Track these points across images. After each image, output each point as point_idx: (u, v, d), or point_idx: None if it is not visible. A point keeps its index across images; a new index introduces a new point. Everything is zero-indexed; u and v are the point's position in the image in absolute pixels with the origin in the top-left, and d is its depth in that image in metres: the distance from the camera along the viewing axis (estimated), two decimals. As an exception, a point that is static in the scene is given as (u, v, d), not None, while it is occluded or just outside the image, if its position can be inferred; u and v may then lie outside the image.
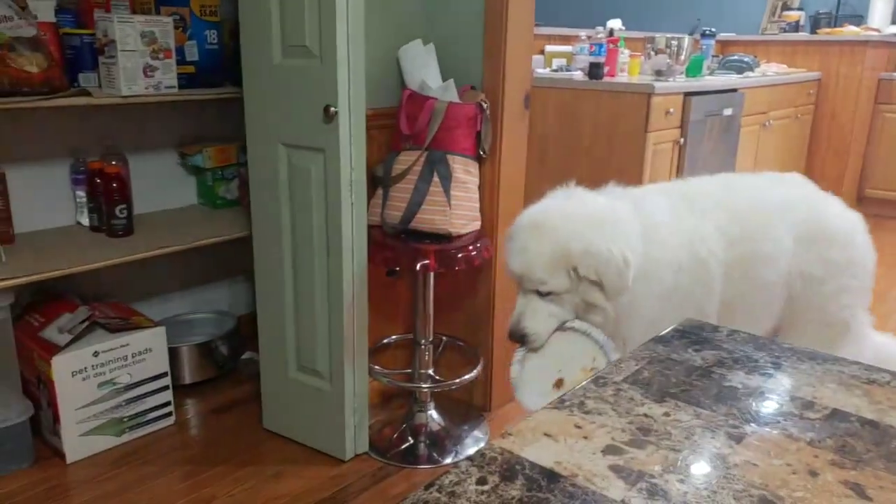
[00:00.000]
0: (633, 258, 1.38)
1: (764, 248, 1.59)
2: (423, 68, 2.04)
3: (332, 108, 1.71)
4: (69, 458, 1.93)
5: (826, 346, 1.60)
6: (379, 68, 2.07)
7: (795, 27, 5.12)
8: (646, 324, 1.46)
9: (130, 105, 2.24)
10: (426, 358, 2.13)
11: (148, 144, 2.34)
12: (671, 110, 3.07)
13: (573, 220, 1.42)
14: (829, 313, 1.66)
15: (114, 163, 2.09)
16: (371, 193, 2.01)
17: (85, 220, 2.16)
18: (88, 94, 1.87)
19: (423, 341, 2.10)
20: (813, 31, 4.91)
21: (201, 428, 2.15)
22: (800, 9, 5.18)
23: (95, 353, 1.92)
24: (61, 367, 1.87)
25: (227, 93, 2.16)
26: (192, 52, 2.16)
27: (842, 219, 1.71)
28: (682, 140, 3.20)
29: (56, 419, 1.90)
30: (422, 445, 2.09)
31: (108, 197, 2.05)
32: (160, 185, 2.40)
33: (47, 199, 2.13)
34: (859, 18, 4.96)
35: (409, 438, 2.10)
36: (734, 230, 1.56)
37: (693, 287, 1.52)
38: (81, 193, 2.14)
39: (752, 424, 0.74)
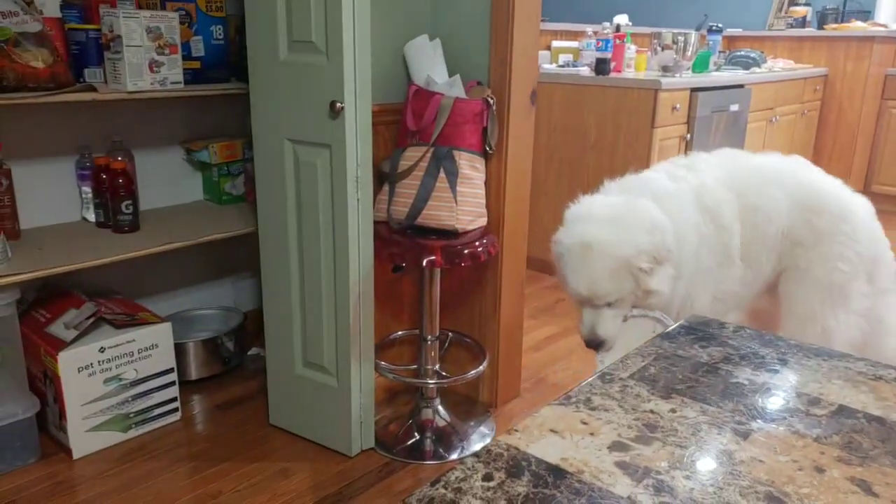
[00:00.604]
0: (673, 246, 1.56)
1: (760, 202, 1.78)
2: (430, 64, 2.03)
3: (339, 104, 1.71)
4: (75, 454, 1.94)
5: (819, 306, 1.81)
6: (385, 64, 2.06)
7: (802, 23, 5.09)
8: (693, 283, 1.67)
9: (136, 100, 2.24)
10: (432, 354, 2.13)
11: (154, 140, 2.35)
12: (678, 106, 3.06)
13: (616, 228, 1.54)
14: (817, 276, 1.82)
15: (119, 158, 2.09)
16: (377, 189, 2.01)
17: (91, 216, 2.16)
18: (94, 89, 1.87)
19: (429, 337, 2.11)
20: (820, 27, 4.88)
21: (207, 424, 2.16)
22: (807, 4, 5.15)
23: (101, 349, 1.93)
24: (67, 362, 1.87)
25: (232, 88, 2.16)
26: (197, 48, 2.17)
27: (837, 194, 1.85)
28: (688, 136, 3.19)
29: (62, 415, 1.91)
30: (428, 441, 2.09)
31: (113, 193, 2.05)
32: (166, 180, 2.40)
33: (53, 195, 2.14)
34: (866, 14, 4.93)
35: (416, 434, 2.10)
36: (733, 184, 1.76)
37: (717, 234, 1.69)
38: (87, 189, 2.14)
39: (759, 421, 0.74)
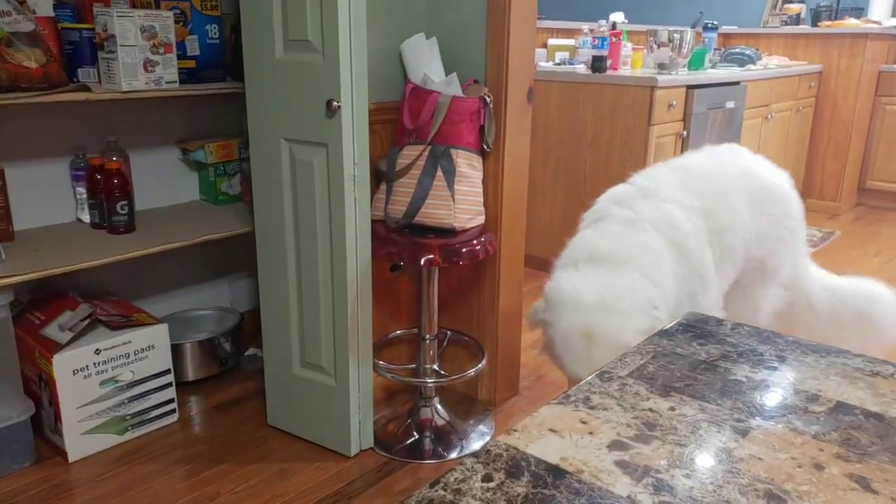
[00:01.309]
0: (664, 315, 1.50)
1: (727, 221, 1.76)
2: (426, 62, 2.03)
3: (335, 103, 1.71)
4: (71, 457, 1.93)
5: (759, 288, 1.86)
6: (381, 62, 2.06)
7: (796, 20, 5.10)
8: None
9: (131, 100, 2.23)
10: (431, 353, 2.13)
11: (149, 140, 2.34)
12: (674, 103, 3.06)
13: (614, 315, 1.48)
14: (762, 260, 1.86)
15: (114, 158, 2.08)
16: (374, 188, 2.00)
17: (85, 217, 2.15)
18: (88, 89, 1.86)
19: (427, 336, 2.10)
20: (814, 24, 4.89)
21: (205, 425, 2.15)
22: (801, 1, 5.16)
23: (97, 351, 1.92)
24: (62, 365, 1.86)
25: (228, 88, 2.15)
26: (192, 47, 2.16)
27: (776, 176, 1.89)
28: (684, 133, 3.19)
29: (57, 418, 1.91)
30: (427, 440, 2.09)
31: (108, 193, 2.05)
32: (161, 181, 2.39)
33: (47, 196, 2.13)
34: (860, 11, 4.94)
35: (415, 433, 2.10)
36: (698, 204, 1.73)
37: (691, 269, 1.65)
38: (82, 190, 2.13)
39: (758, 418, 0.74)
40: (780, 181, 1.90)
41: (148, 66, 1.93)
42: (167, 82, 1.99)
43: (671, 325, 0.99)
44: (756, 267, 1.88)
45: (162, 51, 1.95)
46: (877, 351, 1.91)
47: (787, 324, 2.01)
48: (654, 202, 1.68)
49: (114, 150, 2.14)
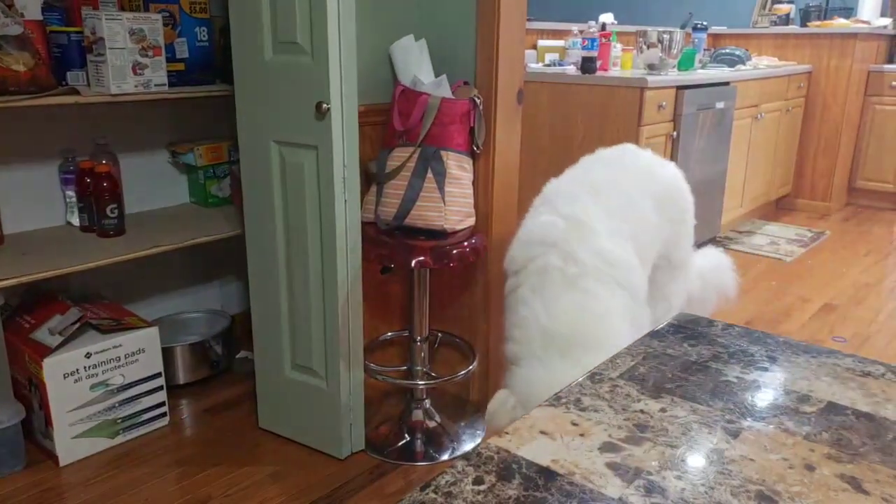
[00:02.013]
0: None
1: (648, 238, 1.70)
2: (416, 64, 2.03)
3: (325, 105, 1.70)
4: (62, 461, 1.92)
5: (670, 284, 1.81)
6: (371, 64, 2.05)
7: (786, 20, 5.13)
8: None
9: (120, 103, 2.22)
10: (422, 354, 2.13)
11: (138, 143, 2.33)
12: (664, 104, 3.07)
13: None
14: (673, 259, 1.83)
15: (104, 162, 2.07)
16: (365, 190, 2.00)
17: (75, 220, 2.14)
18: (77, 92, 1.85)
19: (418, 338, 2.10)
20: (803, 24, 4.92)
21: (196, 428, 2.14)
22: (790, 2, 5.19)
23: (88, 355, 1.91)
24: (53, 369, 1.85)
25: (218, 90, 2.14)
26: (182, 50, 2.15)
27: (671, 172, 1.84)
28: (675, 133, 3.20)
29: (48, 422, 1.89)
30: (419, 442, 2.08)
31: (98, 196, 2.03)
32: (151, 183, 2.38)
33: (36, 200, 2.12)
34: (849, 11, 4.97)
35: (406, 435, 2.10)
36: (623, 229, 1.60)
37: (635, 306, 1.56)
38: (71, 193, 2.12)
39: (749, 419, 0.74)
40: (676, 177, 1.84)
41: (137, 68, 1.92)
42: (156, 85, 1.98)
43: (662, 326, 0.99)
44: (664, 265, 1.83)
45: (151, 53, 1.94)
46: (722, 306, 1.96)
47: None
48: (591, 241, 1.52)
49: (103, 153, 2.13)
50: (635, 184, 1.73)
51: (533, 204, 1.69)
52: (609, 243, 1.53)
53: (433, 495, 0.62)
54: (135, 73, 1.92)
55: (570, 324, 1.46)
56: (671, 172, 1.84)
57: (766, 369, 0.85)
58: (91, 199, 2.06)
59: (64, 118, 2.13)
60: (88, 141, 2.17)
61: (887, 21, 4.77)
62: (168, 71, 2.01)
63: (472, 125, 1.98)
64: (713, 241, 3.87)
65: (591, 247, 1.51)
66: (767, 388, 0.80)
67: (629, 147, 1.87)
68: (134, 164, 2.31)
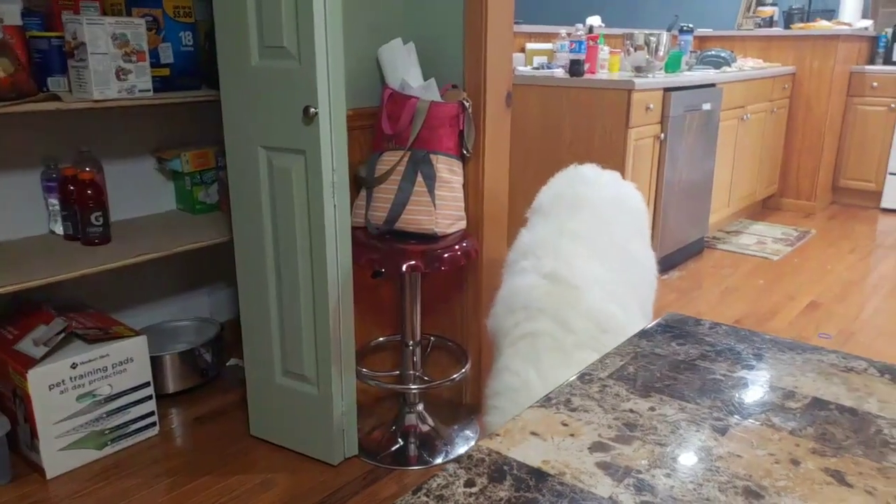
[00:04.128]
0: None
1: (634, 276, 1.61)
2: (404, 67, 2.03)
3: (312, 109, 1.70)
4: (49, 474, 1.90)
5: (644, 291, 1.69)
6: (359, 68, 2.06)
7: (769, 22, 5.18)
8: None
9: (103, 109, 2.21)
10: (414, 359, 2.12)
11: (123, 149, 2.31)
12: (651, 106, 3.09)
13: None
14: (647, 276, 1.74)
15: (87, 169, 2.05)
16: (354, 195, 2.00)
17: (59, 229, 2.12)
18: (58, 98, 1.84)
19: (410, 342, 2.10)
20: (786, 26, 4.97)
21: (186, 437, 2.12)
22: (773, 4, 5.24)
23: (73, 366, 1.89)
24: (38, 380, 1.83)
25: (203, 96, 2.13)
26: (166, 55, 2.14)
27: (638, 196, 1.76)
28: (662, 135, 3.22)
29: (34, 434, 1.87)
30: (412, 447, 2.08)
31: (82, 204, 2.02)
32: (137, 191, 2.37)
33: (18, 208, 2.10)
34: (831, 13, 5.03)
35: (399, 440, 2.09)
36: (621, 278, 1.53)
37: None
38: (54, 201, 2.10)
39: (736, 416, 0.74)
40: (637, 196, 1.76)
41: (120, 74, 1.91)
42: (140, 90, 1.97)
43: (651, 325, 0.99)
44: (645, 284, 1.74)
45: (134, 59, 1.93)
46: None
47: None
48: (580, 303, 1.41)
49: (87, 160, 2.11)
50: (618, 220, 1.63)
51: (510, 258, 1.60)
52: (599, 301, 1.42)
53: (425, 499, 0.62)
54: (118, 79, 1.91)
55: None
56: (639, 197, 1.76)
57: (752, 367, 0.86)
58: (75, 207, 2.04)
59: (46, 125, 2.11)
60: (71, 148, 2.16)
61: (868, 23, 4.83)
62: (153, 76, 2.00)
63: (461, 128, 1.98)
64: (701, 241, 3.90)
65: (582, 310, 1.40)
66: (754, 385, 0.81)
67: (583, 169, 1.74)
68: (119, 171, 2.30)
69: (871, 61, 4.96)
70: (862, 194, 4.94)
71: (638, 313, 1.52)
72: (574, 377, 0.84)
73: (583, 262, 1.47)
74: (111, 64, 1.89)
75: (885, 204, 4.81)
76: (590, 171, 1.74)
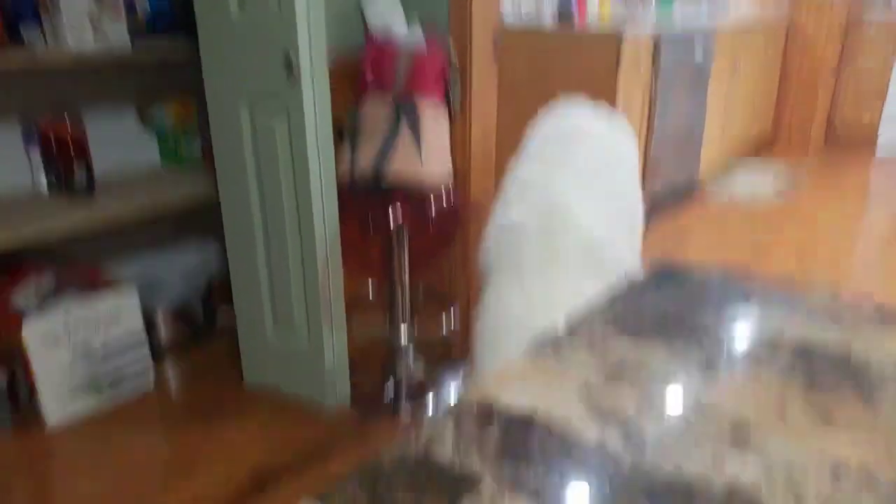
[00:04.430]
0: None
1: (627, 202, 1.63)
2: (387, 14, 1.97)
3: (294, 61, 1.66)
4: (49, 424, 1.92)
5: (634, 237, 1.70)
6: (341, 16, 1.99)
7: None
8: None
9: (79, 61, 2.14)
10: (404, 311, 2.13)
11: (103, 102, 2.26)
12: (642, 56, 3.04)
13: None
14: (636, 217, 1.73)
15: (68, 122, 2.01)
16: (339, 146, 1.97)
17: (43, 183, 2.09)
18: (33, 51, 1.78)
19: (399, 295, 2.10)
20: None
21: (181, 388, 2.14)
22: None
23: (66, 319, 1.89)
24: (32, 333, 1.83)
25: (181, 49, 2.07)
26: (142, 4, 2.07)
27: (629, 129, 1.76)
28: (653, 86, 3.18)
29: (31, 385, 1.88)
30: (403, 396, 2.11)
31: (65, 158, 1.98)
32: (120, 145, 2.32)
33: (1, 163, 2.05)
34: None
35: (390, 390, 2.12)
36: (614, 207, 1.55)
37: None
38: (37, 156, 2.06)
39: (725, 361, 0.75)
40: (627, 130, 1.75)
41: (95, 24, 1.85)
42: (117, 41, 1.91)
43: (640, 272, 0.99)
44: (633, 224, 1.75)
45: (109, 8, 1.87)
46: None
47: None
48: (572, 228, 1.41)
49: (67, 112, 2.06)
50: (605, 152, 1.62)
51: (503, 194, 1.58)
52: (588, 229, 1.43)
53: (415, 444, 0.62)
54: (93, 30, 1.85)
55: (546, 314, 1.34)
56: (628, 130, 1.75)
57: (741, 311, 0.86)
58: (58, 161, 2.00)
59: (23, 77, 2.05)
60: (49, 101, 2.10)
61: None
62: (129, 26, 1.94)
63: (446, 75, 1.94)
64: (692, 191, 3.89)
65: (571, 233, 1.41)
66: (743, 330, 0.82)
67: (579, 108, 1.74)
68: (100, 125, 2.25)
69: (867, 5, 4.88)
70: (856, 141, 4.92)
71: (625, 244, 1.53)
72: (562, 324, 0.84)
73: (572, 192, 1.47)
74: (85, 13, 1.82)
75: (879, 150, 4.81)
76: (580, 105, 1.74)
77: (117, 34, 1.90)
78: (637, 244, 1.72)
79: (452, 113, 2.00)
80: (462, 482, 0.57)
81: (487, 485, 0.57)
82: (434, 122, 1.92)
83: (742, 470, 0.58)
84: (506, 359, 1.33)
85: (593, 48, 2.96)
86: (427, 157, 1.90)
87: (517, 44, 3.14)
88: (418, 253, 2.26)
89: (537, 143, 1.66)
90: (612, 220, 1.52)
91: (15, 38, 1.84)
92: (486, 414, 0.66)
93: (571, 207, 1.45)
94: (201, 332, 2.41)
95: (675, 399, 0.68)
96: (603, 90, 2.98)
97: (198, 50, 1.85)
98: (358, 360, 2.28)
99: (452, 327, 2.13)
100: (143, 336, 2.08)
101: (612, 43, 2.91)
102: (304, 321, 1.92)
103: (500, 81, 2.20)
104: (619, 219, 1.56)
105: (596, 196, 1.50)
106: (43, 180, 2.08)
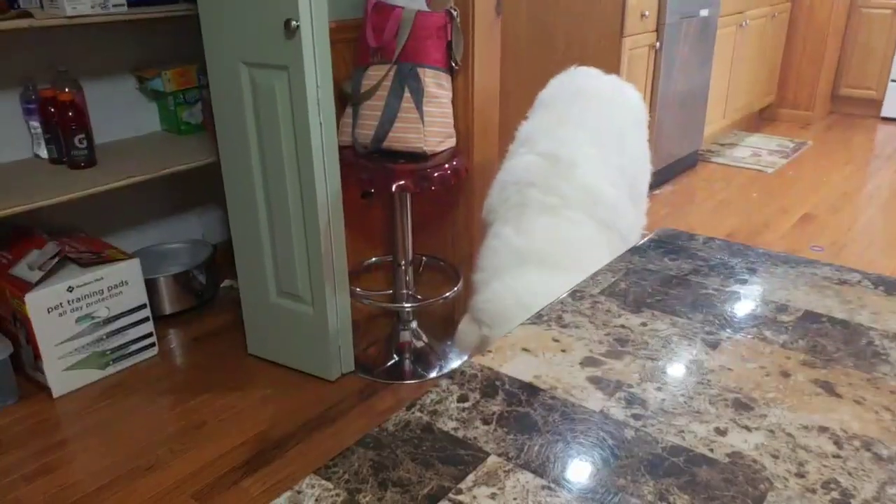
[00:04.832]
0: None
1: (636, 169, 1.65)
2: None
3: (294, 22, 1.63)
4: (55, 393, 1.94)
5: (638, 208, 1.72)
6: (341, -23, 1.95)
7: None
8: None
9: (77, 26, 2.11)
10: (407, 278, 2.13)
11: (102, 68, 2.23)
12: (646, 13, 2.98)
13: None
14: (641, 187, 1.77)
15: (67, 90, 1.98)
16: (340, 112, 1.95)
17: (43, 153, 2.07)
18: (30, 15, 1.75)
19: (402, 262, 2.10)
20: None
21: (185, 357, 2.16)
22: None
23: (70, 289, 1.90)
24: (36, 303, 1.84)
25: (180, 10, 2.03)
26: (139, -33, 2.02)
27: (639, 96, 1.78)
28: (658, 44, 3.12)
29: (37, 355, 1.90)
30: (407, 362, 2.12)
31: (64, 127, 1.96)
32: (120, 112, 2.30)
33: (0, 132, 2.04)
34: None
35: (394, 356, 2.14)
36: (615, 162, 1.55)
37: (618, 241, 1.49)
38: (36, 124, 2.04)
39: (728, 330, 0.75)
40: (641, 100, 1.78)
41: (92, -13, 1.81)
42: (114, 5, 1.87)
43: (643, 241, 0.99)
44: (637, 195, 1.76)
45: (106, -30, 1.83)
46: None
47: None
48: (574, 177, 1.44)
49: (65, 80, 2.04)
50: (623, 117, 1.66)
51: (510, 148, 1.61)
52: (592, 177, 1.45)
53: (419, 413, 0.63)
54: (91, -7, 1.81)
55: (546, 242, 1.38)
56: (637, 95, 1.77)
57: (745, 281, 0.86)
58: (57, 129, 1.99)
59: (20, 44, 2.02)
60: (48, 68, 2.07)
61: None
62: (126, -10, 1.90)
63: (449, 39, 1.91)
64: (695, 154, 3.86)
65: (575, 182, 1.43)
66: (746, 299, 0.81)
67: (590, 71, 1.76)
68: (99, 92, 2.22)
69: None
70: (862, 103, 4.85)
71: (627, 199, 1.53)
72: (565, 294, 0.84)
73: (578, 144, 1.50)
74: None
75: (885, 112, 4.74)
76: (590, 70, 1.78)
77: (113, -2, 1.86)
78: (643, 205, 1.74)
79: (454, 70, 1.97)
80: (466, 452, 0.58)
81: (491, 455, 0.57)
82: (436, 87, 1.89)
83: (744, 440, 0.58)
84: (505, 287, 1.35)
85: (597, 4, 2.90)
86: (429, 125, 1.88)
87: (520, 2, 3.08)
88: (422, 219, 2.25)
89: (546, 101, 1.69)
90: (617, 178, 1.53)
91: (14, 7, 1.81)
92: (491, 383, 0.67)
93: (577, 158, 1.47)
94: (205, 300, 2.42)
95: (677, 369, 0.68)
96: (608, 49, 2.93)
97: (196, 12, 1.82)
98: (362, 327, 2.30)
99: (456, 293, 2.13)
100: (147, 306, 2.09)
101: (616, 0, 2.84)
102: (307, 287, 1.93)
103: (503, 41, 2.16)
104: (624, 177, 1.57)
105: (602, 153, 1.52)
106: (44, 151, 2.06)
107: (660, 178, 3.54)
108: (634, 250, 0.96)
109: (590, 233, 1.41)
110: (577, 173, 1.45)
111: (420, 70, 1.85)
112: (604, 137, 1.56)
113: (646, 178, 1.76)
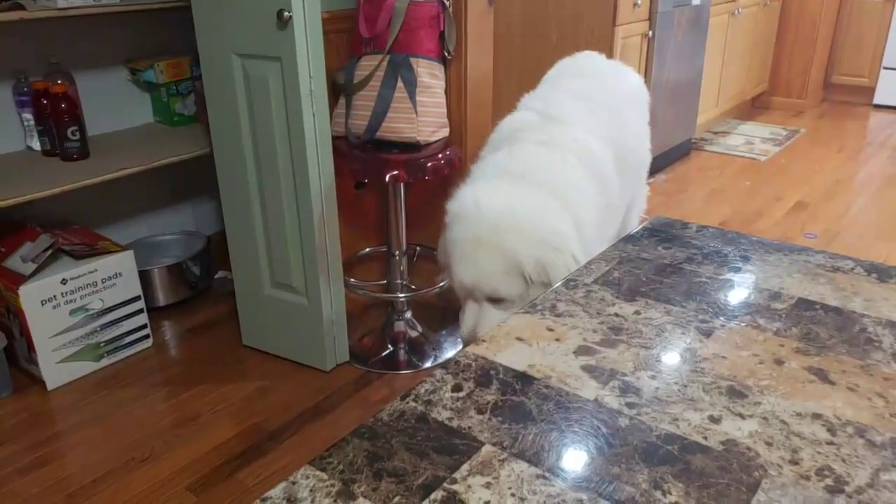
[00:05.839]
0: (580, 255, 1.29)
1: (630, 142, 1.71)
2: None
3: (286, 13, 1.61)
4: (49, 385, 1.93)
5: (635, 190, 1.83)
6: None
7: None
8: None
9: (69, 17, 2.09)
10: (401, 268, 2.13)
11: (94, 60, 2.21)
12: (639, 2, 2.97)
13: (515, 227, 1.28)
14: (641, 172, 1.89)
15: (59, 82, 1.97)
16: (333, 103, 1.94)
17: (36, 145, 2.06)
18: (22, 7, 1.73)
19: (396, 252, 2.10)
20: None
21: (180, 348, 2.16)
22: None
23: (63, 281, 1.89)
24: (29, 296, 1.83)
25: (173, 1, 2.02)
26: (129, -44, 2.01)
27: (639, 78, 1.89)
28: (650, 33, 3.11)
29: (31, 348, 1.89)
30: (401, 352, 2.13)
31: (57, 119, 1.95)
32: (112, 104, 2.28)
33: (-8, 125, 2.03)
34: None
35: (389, 346, 2.14)
36: (605, 130, 1.57)
37: (607, 199, 1.51)
38: (28, 116, 2.03)
39: (721, 318, 0.75)
40: (642, 82, 1.89)
41: (81, -23, 1.79)
42: (105, -5, 1.86)
43: (637, 230, 0.99)
44: (633, 175, 1.79)
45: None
46: None
47: None
48: (566, 129, 1.47)
49: (57, 72, 2.02)
50: (618, 92, 1.73)
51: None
52: (584, 136, 1.49)
53: (413, 403, 0.63)
54: (80, -17, 1.79)
55: (532, 163, 1.38)
56: (638, 77, 1.87)
57: (738, 269, 0.86)
58: (50, 121, 1.97)
59: (12, 36, 2.00)
60: (40, 60, 2.05)
61: None
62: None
63: (441, 29, 1.90)
64: (689, 142, 3.86)
65: (566, 133, 1.47)
66: (740, 287, 0.82)
67: (594, 54, 1.86)
68: (92, 84, 2.21)
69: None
70: (854, 90, 4.86)
71: (614, 168, 1.54)
72: (559, 283, 0.84)
73: (572, 109, 1.56)
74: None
75: (877, 100, 4.75)
76: (594, 53, 1.88)
77: (103, -12, 1.85)
78: (642, 188, 1.79)
79: (447, 60, 1.96)
80: (461, 442, 0.58)
81: (486, 444, 0.57)
82: (429, 77, 1.88)
83: (738, 427, 0.59)
84: (472, 190, 1.38)
85: (591, -4, 2.88)
86: (422, 115, 1.87)
87: (513, -7, 3.06)
88: (415, 209, 2.25)
89: (549, 78, 1.78)
90: (607, 147, 1.56)
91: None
92: (485, 372, 0.67)
93: (567, 118, 1.52)
94: (199, 291, 2.41)
95: (671, 357, 0.69)
96: (601, 39, 2.92)
97: (188, 4, 1.80)
98: (356, 317, 2.30)
99: (450, 285, 2.13)
100: (141, 298, 2.09)
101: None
102: (301, 278, 1.93)
103: (496, 31, 2.15)
104: (615, 150, 1.60)
105: (594, 121, 1.56)
106: (36, 143, 2.05)
107: (653, 167, 3.53)
108: (628, 239, 0.96)
109: (579, 172, 1.42)
110: (568, 130, 1.49)
111: (413, 60, 1.85)
112: (598, 108, 1.61)
113: (644, 158, 1.83)
